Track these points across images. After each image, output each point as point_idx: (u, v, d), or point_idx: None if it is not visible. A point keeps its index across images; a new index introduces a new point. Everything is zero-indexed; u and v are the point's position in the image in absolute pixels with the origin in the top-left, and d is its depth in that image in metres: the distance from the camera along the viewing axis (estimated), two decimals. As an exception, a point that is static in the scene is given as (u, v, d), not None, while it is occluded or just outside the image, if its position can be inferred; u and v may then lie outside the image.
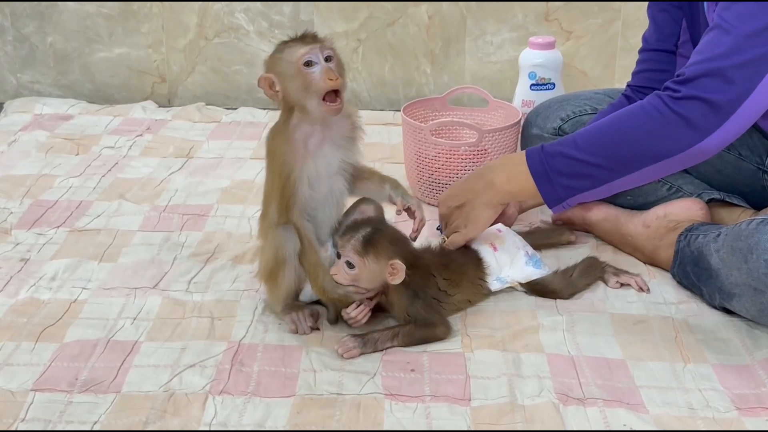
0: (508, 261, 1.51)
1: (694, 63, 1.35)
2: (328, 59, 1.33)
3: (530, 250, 1.54)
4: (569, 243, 1.68)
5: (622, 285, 1.54)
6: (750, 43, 1.30)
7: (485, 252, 1.51)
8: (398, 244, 1.36)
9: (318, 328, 1.40)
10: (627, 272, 1.55)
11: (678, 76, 1.36)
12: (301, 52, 1.32)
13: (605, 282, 1.55)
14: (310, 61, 1.32)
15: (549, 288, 1.50)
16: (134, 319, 1.42)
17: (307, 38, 1.34)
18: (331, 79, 1.32)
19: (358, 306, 1.36)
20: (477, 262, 1.49)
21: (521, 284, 1.50)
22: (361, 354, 1.33)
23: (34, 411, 1.20)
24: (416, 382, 1.27)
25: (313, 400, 1.23)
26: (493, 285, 1.49)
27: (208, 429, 1.17)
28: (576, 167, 1.41)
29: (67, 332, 1.38)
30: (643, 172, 1.39)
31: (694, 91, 1.33)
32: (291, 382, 1.27)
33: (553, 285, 1.50)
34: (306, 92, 1.33)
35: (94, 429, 1.17)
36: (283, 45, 1.36)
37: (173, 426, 1.17)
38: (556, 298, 1.49)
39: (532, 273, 1.51)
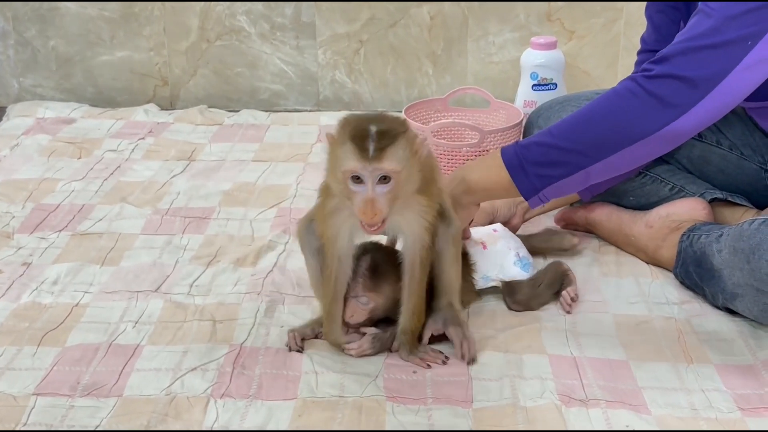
0: (497, 260, 1.50)
1: (671, 44, 1.34)
2: (383, 180, 1.17)
3: (523, 252, 1.54)
4: (572, 248, 1.65)
5: (572, 299, 1.47)
6: (729, 25, 1.29)
7: (474, 250, 1.50)
8: (396, 267, 1.33)
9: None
10: (574, 284, 1.51)
11: (655, 57, 1.35)
12: (350, 166, 1.17)
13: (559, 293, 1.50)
14: (358, 177, 1.18)
15: (516, 297, 1.47)
16: (136, 322, 1.42)
17: (366, 147, 1.16)
18: (365, 214, 1.18)
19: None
20: (463, 259, 1.49)
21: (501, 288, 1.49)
22: (376, 353, 1.33)
23: (36, 415, 1.20)
24: (418, 384, 1.27)
25: (315, 402, 1.23)
26: (479, 283, 1.49)
27: (209, 433, 1.17)
28: (550, 154, 1.37)
29: (69, 336, 1.38)
30: (619, 156, 1.35)
31: (669, 69, 1.31)
32: (293, 385, 1.27)
33: (520, 294, 1.47)
34: (346, 198, 1.21)
35: (97, 431, 1.17)
36: (349, 122, 1.20)
37: (175, 429, 1.17)
38: (520, 310, 1.46)
39: (518, 274, 1.49)
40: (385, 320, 1.38)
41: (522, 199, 1.43)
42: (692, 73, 1.30)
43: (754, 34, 1.28)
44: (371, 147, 1.16)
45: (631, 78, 1.36)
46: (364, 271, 1.32)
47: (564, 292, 1.48)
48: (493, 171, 1.42)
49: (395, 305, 1.33)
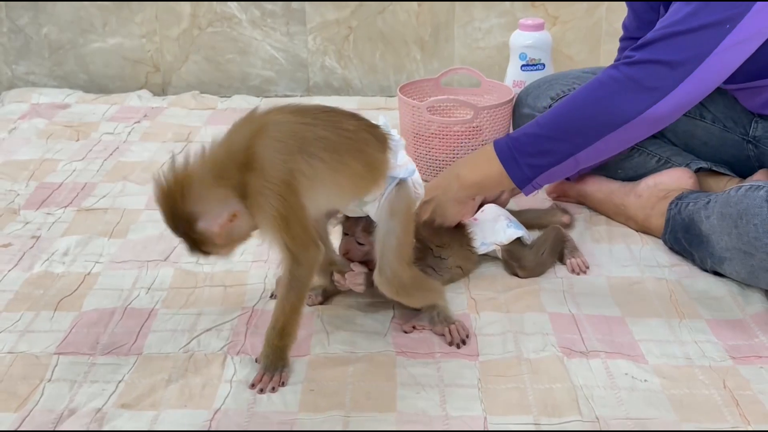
0: (490, 227, 1.55)
1: (652, 31, 1.39)
2: None
3: (511, 216, 1.58)
4: (564, 225, 1.67)
5: (573, 270, 1.54)
6: (706, 10, 1.34)
7: (468, 222, 1.56)
8: None
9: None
10: (578, 251, 1.57)
11: (636, 44, 1.40)
12: None
13: (561, 260, 1.56)
14: None
15: (522, 264, 1.51)
16: (148, 288, 1.47)
17: None
18: None
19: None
20: (462, 228, 1.54)
21: (501, 257, 1.54)
22: (365, 290, 1.35)
23: (60, 372, 1.24)
24: (425, 341, 1.32)
25: (327, 357, 1.28)
26: (479, 249, 1.54)
27: (229, 385, 1.21)
28: (539, 144, 1.43)
29: (84, 302, 1.42)
30: (604, 142, 1.41)
31: (648, 55, 1.36)
32: (305, 343, 1.31)
33: (525, 261, 1.51)
34: None
35: (117, 389, 1.21)
36: None
37: (196, 383, 1.21)
38: (526, 276, 1.51)
39: (514, 233, 1.53)
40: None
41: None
42: (672, 57, 1.35)
43: (732, 17, 1.33)
44: None
45: (613, 66, 1.42)
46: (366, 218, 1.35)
47: (574, 261, 1.53)
48: (484, 165, 1.48)
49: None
